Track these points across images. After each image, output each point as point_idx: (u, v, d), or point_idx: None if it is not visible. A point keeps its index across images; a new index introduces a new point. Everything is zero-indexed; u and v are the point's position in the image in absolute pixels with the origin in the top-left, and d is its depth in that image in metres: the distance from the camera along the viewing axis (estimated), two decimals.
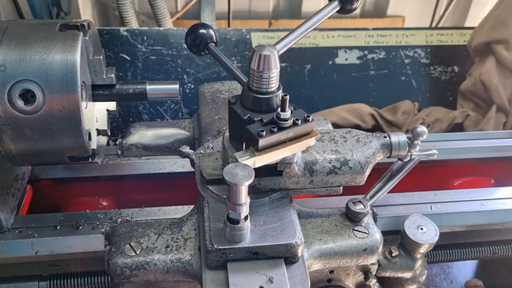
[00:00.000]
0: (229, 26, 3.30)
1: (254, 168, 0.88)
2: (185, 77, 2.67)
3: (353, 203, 1.11)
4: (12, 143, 0.97)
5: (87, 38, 1.02)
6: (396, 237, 1.23)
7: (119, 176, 1.47)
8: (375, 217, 1.23)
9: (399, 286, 1.25)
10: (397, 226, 1.21)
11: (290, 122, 0.92)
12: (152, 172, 1.46)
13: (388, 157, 1.11)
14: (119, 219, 1.21)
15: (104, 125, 1.18)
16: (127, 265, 1.00)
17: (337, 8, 1.06)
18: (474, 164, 1.66)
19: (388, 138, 1.10)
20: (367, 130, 1.14)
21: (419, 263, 1.18)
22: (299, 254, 0.98)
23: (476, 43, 2.77)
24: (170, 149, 1.38)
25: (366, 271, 1.20)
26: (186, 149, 1.13)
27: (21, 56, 0.93)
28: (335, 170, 1.04)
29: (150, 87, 1.14)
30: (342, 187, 1.09)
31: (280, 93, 0.94)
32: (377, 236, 1.08)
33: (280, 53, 0.96)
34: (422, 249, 1.15)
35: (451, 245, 1.37)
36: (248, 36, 2.82)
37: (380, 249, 1.08)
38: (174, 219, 1.10)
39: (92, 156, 1.07)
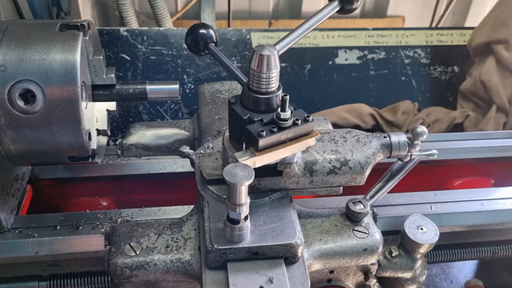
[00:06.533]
0: (229, 26, 3.29)
1: (254, 168, 0.88)
2: (185, 77, 2.67)
3: (353, 203, 1.10)
4: (12, 143, 0.97)
5: (87, 38, 1.02)
6: (396, 237, 1.23)
7: (119, 176, 1.47)
8: (375, 217, 1.23)
9: (399, 286, 1.25)
10: (397, 226, 1.21)
11: (290, 122, 0.92)
12: (152, 172, 1.46)
13: (388, 157, 1.11)
14: (119, 219, 1.22)
15: (104, 125, 1.18)
16: (127, 265, 1.00)
17: (337, 8, 1.06)
18: (474, 164, 1.66)
19: (388, 138, 1.09)
20: (367, 130, 1.14)
21: (419, 263, 1.18)
22: (299, 254, 0.98)
23: (476, 43, 2.77)
24: (170, 149, 1.38)
25: (366, 271, 1.20)
26: (186, 149, 1.13)
27: (21, 56, 0.93)
28: (335, 170, 1.04)
29: (150, 87, 1.14)
30: (342, 187, 1.09)
31: (280, 93, 0.94)
32: (377, 236, 1.08)
33: (280, 53, 0.96)
34: (422, 249, 1.15)
35: (451, 245, 1.38)
36: (248, 36, 2.82)
37: (380, 249, 1.08)
38: (174, 219, 1.10)
39: (92, 156, 1.07)
